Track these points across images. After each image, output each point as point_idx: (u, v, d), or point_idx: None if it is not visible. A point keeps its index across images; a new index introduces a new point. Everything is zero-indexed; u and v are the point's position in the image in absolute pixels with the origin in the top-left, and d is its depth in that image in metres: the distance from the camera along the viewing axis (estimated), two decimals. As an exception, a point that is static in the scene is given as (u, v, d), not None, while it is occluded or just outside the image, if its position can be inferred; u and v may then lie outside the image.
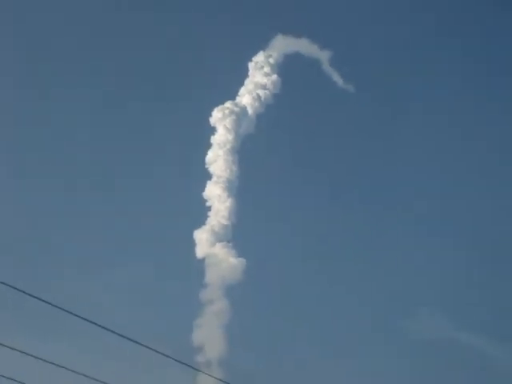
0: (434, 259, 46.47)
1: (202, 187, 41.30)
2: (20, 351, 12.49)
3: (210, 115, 42.45)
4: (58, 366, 13.06)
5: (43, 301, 11.45)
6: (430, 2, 52.43)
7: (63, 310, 11.75)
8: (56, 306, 11.72)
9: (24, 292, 11.32)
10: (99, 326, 12.56)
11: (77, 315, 12.09)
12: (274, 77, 43.04)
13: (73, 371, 13.25)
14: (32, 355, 12.65)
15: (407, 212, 47.33)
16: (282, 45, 43.55)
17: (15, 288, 11.21)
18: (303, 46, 43.36)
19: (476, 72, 51.85)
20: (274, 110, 42.63)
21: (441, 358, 39.30)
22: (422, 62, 51.04)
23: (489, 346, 41.11)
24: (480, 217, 47.53)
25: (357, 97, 45.31)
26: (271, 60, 43.20)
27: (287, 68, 43.26)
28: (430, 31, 52.34)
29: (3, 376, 13.24)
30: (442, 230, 47.29)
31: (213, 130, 42.47)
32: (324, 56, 43.13)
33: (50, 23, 49.44)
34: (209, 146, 42.18)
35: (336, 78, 43.52)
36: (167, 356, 13.76)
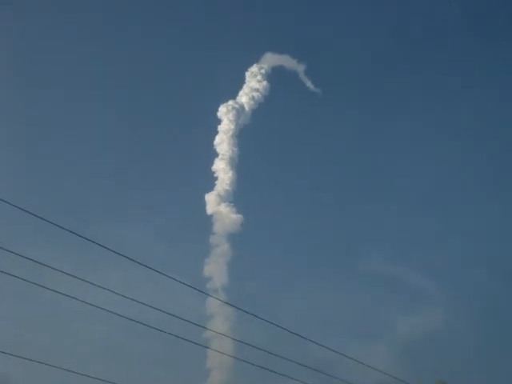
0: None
1: (211, 162, 51.48)
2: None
3: (218, 110, 52.58)
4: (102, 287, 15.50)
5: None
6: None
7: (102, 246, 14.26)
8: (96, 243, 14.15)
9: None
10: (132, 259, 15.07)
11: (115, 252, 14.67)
12: (265, 83, 53.67)
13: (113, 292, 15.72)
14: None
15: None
16: (271, 59, 54.26)
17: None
18: (285, 60, 54.06)
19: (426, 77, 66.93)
20: (264, 107, 54.28)
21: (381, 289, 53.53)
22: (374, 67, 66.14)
23: (423, 279, 55.21)
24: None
25: (323, 98, 58.41)
26: (262, 71, 53.80)
27: (274, 77, 54.79)
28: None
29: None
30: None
31: (219, 121, 52.29)
32: (300, 68, 54.20)
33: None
34: (216, 132, 52.13)
35: (309, 84, 55.38)
36: (184, 283, 16.96)
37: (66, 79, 62.69)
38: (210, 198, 50.78)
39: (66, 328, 44.13)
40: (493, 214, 61.89)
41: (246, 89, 53.61)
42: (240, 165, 51.94)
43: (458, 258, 58.40)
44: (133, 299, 16.57)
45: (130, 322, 17.21)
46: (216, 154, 51.71)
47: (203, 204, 50.43)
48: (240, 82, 53.75)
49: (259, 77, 53.79)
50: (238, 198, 51.35)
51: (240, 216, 50.46)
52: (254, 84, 53.70)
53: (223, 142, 51.84)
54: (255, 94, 53.42)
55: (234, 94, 53.35)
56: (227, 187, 51.10)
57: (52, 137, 61.72)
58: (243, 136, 52.59)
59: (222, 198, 50.80)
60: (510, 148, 65.96)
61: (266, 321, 20.66)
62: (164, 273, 16.65)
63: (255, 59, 54.44)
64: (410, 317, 53.35)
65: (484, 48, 68.21)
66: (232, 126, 52.12)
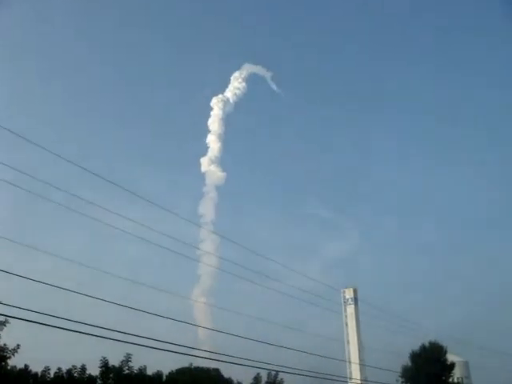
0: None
1: (206, 136, 75.17)
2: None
3: (211, 101, 76.97)
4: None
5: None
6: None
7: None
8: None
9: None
10: None
11: None
12: (244, 84, 78.87)
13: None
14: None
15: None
16: (248, 68, 79.23)
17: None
18: (258, 69, 79.80)
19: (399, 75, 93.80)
20: (242, 101, 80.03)
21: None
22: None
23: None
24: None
25: (285, 97, 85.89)
26: (242, 75, 78.36)
27: (250, 80, 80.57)
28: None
29: None
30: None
31: (212, 108, 76.20)
32: (268, 75, 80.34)
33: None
34: (209, 116, 76.12)
35: (274, 86, 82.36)
36: (185, 219, 44.48)
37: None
38: (204, 161, 75.90)
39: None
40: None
41: (231, 87, 78.91)
42: (225, 139, 77.51)
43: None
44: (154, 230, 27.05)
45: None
46: (209, 131, 76.79)
47: (199, 165, 75.69)
48: (227, 83, 79.33)
49: (240, 80, 79.27)
50: (223, 161, 76.99)
51: (224, 174, 76.00)
52: (236, 84, 79.02)
53: (214, 123, 77.01)
54: (237, 92, 78.77)
55: (222, 91, 79.24)
56: (216, 154, 76.17)
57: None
58: (228, 119, 78.58)
59: (212, 161, 75.91)
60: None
61: (239, 244, 31.99)
62: (170, 211, 28.23)
63: (237, 67, 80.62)
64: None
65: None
66: (221, 112, 77.32)
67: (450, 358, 49.05)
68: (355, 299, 60.39)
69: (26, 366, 29.04)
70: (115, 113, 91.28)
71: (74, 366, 28.31)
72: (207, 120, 77.14)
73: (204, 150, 75.87)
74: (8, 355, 22.89)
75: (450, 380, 48.43)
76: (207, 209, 73.94)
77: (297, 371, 25.40)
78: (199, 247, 53.87)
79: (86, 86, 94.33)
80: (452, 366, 48.32)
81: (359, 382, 51.13)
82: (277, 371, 34.13)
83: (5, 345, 22.50)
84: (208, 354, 24.94)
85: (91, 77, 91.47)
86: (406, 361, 47.10)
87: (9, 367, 24.80)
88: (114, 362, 28.07)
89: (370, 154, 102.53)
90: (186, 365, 37.75)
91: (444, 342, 48.10)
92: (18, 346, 22.86)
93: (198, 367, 40.75)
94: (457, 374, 53.39)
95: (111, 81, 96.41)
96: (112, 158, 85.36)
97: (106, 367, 28.24)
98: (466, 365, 63.93)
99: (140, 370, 29.39)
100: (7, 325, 20.96)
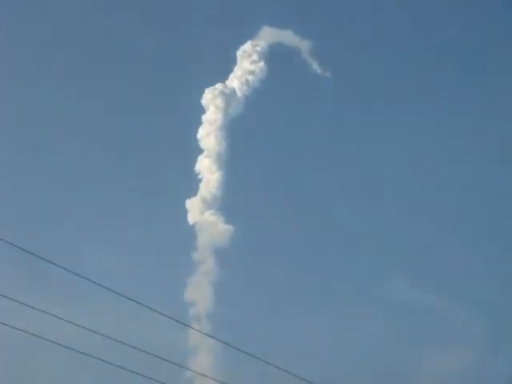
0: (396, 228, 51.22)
1: (194, 161, 44.22)
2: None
3: (202, 96, 45.04)
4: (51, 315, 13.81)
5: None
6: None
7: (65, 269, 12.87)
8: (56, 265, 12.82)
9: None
10: (97, 284, 13.59)
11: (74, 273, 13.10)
12: (261, 64, 45.98)
13: (71, 322, 14.19)
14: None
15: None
16: (268, 35, 46.71)
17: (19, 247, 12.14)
18: (286, 36, 46.54)
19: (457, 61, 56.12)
20: (259, 93, 45.99)
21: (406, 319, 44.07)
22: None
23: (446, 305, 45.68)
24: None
25: (333, 84, 49.26)
26: (258, 48, 46.28)
27: (272, 57, 46.36)
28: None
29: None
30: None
31: (204, 110, 44.92)
32: (305, 46, 46.48)
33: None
34: (200, 123, 44.74)
35: (315, 66, 46.87)
36: (159, 312, 15.22)
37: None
38: (193, 205, 44.45)
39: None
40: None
41: (237, 71, 46.83)
42: (229, 163, 45.24)
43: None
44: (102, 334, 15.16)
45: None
46: (200, 150, 45.02)
47: (184, 212, 43.90)
48: (230, 63, 46.78)
49: (254, 56, 47.07)
50: (226, 204, 44.58)
51: (229, 227, 44.12)
52: (247, 65, 46.95)
53: (209, 136, 45.30)
54: (249, 78, 46.57)
55: (222, 77, 46.31)
56: (213, 191, 44.61)
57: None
58: (234, 128, 45.72)
59: (208, 205, 44.49)
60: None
61: (258, 358, 18.91)
62: (136, 300, 15.07)
63: (249, 35, 47.71)
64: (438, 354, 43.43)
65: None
66: (220, 116, 45.60)
67: None
68: None
69: None
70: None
71: None
72: (196, 131, 45.63)
73: (193, 184, 44.74)
74: None
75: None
76: (201, 291, 42.80)
77: None
78: (188, 363, 36.73)
79: None
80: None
81: None
82: None
83: None
84: None
85: None
86: None
87: None
88: None
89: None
90: None
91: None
92: None
93: None
94: None
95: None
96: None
97: None
98: None
99: None
100: None
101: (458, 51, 56.72)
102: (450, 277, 47.34)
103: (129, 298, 14.39)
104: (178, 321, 17.74)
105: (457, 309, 45.74)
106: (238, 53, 46.97)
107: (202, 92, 45.53)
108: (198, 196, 44.14)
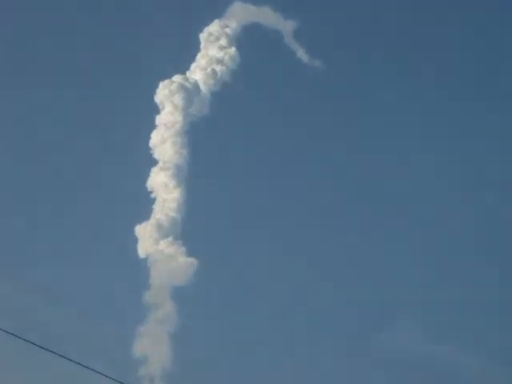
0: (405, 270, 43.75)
1: (146, 175, 38.17)
2: None
3: (155, 92, 39.17)
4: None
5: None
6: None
7: None
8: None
9: None
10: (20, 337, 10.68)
11: None
12: (232, 50, 39.94)
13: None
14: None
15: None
16: (241, 13, 40.80)
17: None
18: (264, 14, 40.64)
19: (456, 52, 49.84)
20: (230, 87, 39.60)
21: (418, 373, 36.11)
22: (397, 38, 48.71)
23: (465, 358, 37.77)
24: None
25: (324, 74, 42.11)
26: (228, 30, 40.33)
27: (246, 41, 40.11)
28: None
29: None
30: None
31: (158, 109, 39.14)
32: (288, 27, 40.34)
33: None
34: (154, 126, 38.92)
35: (300, 53, 40.35)
36: (100, 373, 11.82)
37: None
38: (144, 232, 38.87)
39: None
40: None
41: (201, 59, 41.13)
42: (191, 178, 39.87)
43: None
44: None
45: None
46: (153, 162, 39.46)
47: (133, 241, 38.06)
48: (192, 49, 40.97)
49: (223, 40, 41.45)
50: (187, 230, 38.78)
51: (191, 260, 38.61)
52: (214, 52, 41.35)
53: (164, 143, 39.87)
54: (216, 68, 40.96)
55: (182, 67, 40.49)
56: (171, 214, 39.11)
57: None
58: (197, 133, 39.85)
59: (164, 232, 39.04)
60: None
61: None
62: (69, 358, 11.37)
63: (216, 13, 42.26)
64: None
65: None
66: (179, 117, 39.95)
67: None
68: None
69: None
70: None
71: None
72: (148, 136, 40.10)
73: (144, 206, 39.25)
74: None
75: None
76: (154, 344, 36.97)
77: None
78: None
79: None
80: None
81: None
82: None
83: None
84: None
85: None
86: None
87: None
88: None
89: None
90: None
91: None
92: None
93: None
94: None
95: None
96: None
97: None
98: None
99: None
100: None
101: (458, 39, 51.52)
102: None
103: (62, 356, 11.45)
104: (123, 384, 15.44)
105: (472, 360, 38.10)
106: (202, 36, 41.33)
107: (156, 86, 39.67)
108: (152, 220, 38.50)
